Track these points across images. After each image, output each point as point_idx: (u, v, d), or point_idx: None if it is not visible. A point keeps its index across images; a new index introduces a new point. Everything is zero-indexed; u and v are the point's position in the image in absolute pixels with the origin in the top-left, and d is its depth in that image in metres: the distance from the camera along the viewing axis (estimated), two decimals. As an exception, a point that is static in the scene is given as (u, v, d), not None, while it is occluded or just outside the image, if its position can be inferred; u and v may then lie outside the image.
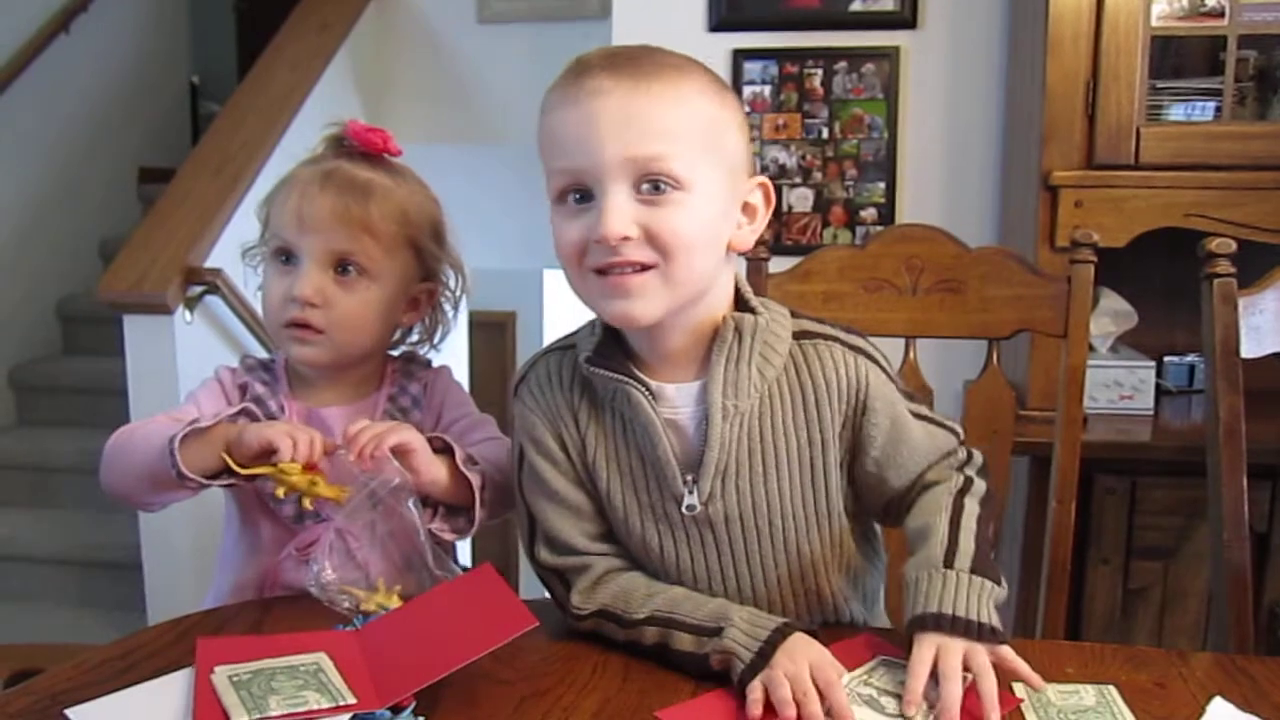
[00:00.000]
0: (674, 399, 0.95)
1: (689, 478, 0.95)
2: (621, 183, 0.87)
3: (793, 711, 0.81)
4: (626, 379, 0.94)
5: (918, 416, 1.00)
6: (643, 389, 0.94)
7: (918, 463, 1.00)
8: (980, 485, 0.99)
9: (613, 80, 0.87)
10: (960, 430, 1.04)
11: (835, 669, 0.85)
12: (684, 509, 0.96)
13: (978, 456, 1.03)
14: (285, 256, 1.11)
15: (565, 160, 0.89)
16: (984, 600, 0.87)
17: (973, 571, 0.88)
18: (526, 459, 1.01)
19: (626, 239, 0.87)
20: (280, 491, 1.02)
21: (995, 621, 0.86)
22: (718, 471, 0.95)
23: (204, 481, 1.04)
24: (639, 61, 0.89)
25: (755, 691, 0.84)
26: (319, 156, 1.14)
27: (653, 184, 0.87)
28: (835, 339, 0.97)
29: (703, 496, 0.95)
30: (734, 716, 0.84)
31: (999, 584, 0.89)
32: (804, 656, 0.85)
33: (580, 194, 0.89)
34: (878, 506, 1.03)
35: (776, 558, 0.99)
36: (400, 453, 1.01)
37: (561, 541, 1.00)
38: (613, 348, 0.96)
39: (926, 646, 0.85)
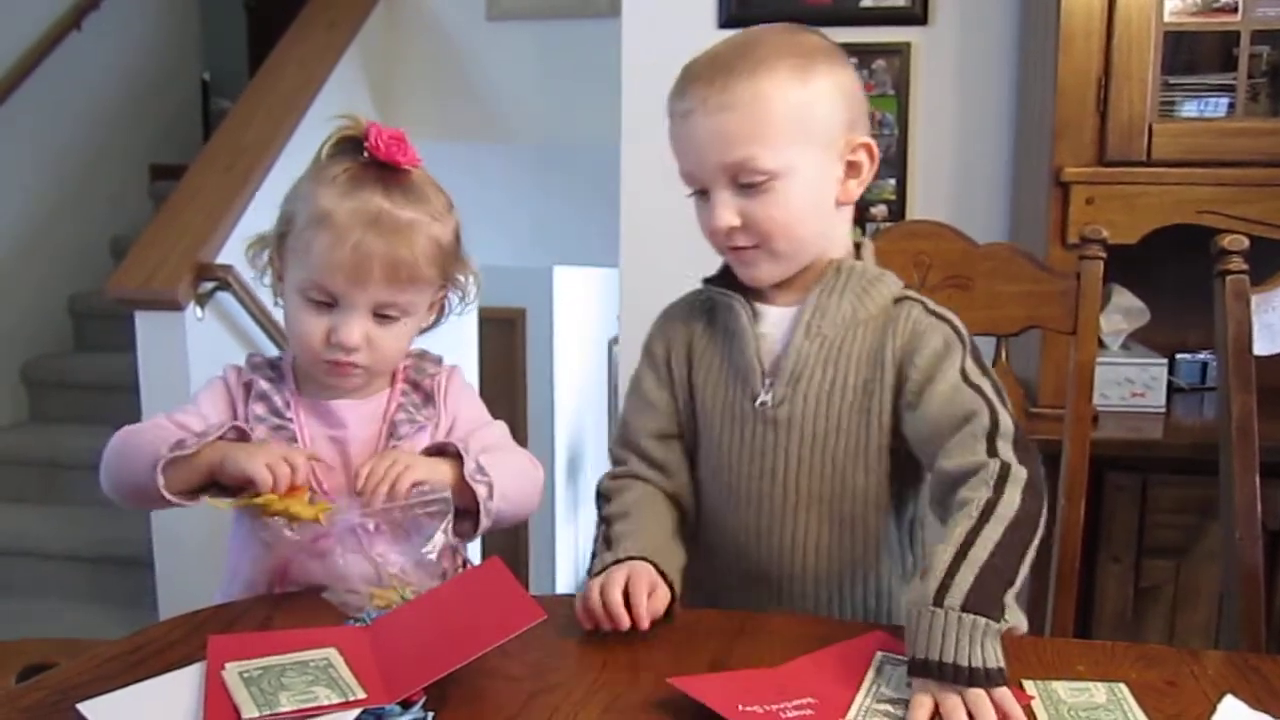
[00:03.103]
0: (772, 318, 1.10)
1: (768, 380, 1.08)
2: (722, 183, 1.04)
3: (614, 596, 0.96)
4: (733, 294, 1.11)
5: (966, 379, 1.03)
6: (746, 305, 1.10)
7: (935, 417, 1.02)
8: (1010, 503, 0.92)
9: (702, 92, 1.03)
10: (999, 414, 0.99)
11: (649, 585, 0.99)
12: (757, 405, 1.08)
13: (1021, 471, 0.95)
14: (325, 297, 1.10)
15: (682, 165, 1.07)
16: (976, 640, 0.83)
17: (964, 609, 0.84)
18: (637, 369, 1.19)
19: (733, 229, 1.05)
20: (264, 518, 1.04)
21: (990, 662, 0.83)
22: (791, 376, 1.08)
23: (186, 504, 1.07)
24: (728, 67, 1.02)
25: (592, 592, 0.98)
26: (348, 180, 1.09)
27: (748, 179, 1.03)
28: (922, 303, 1.09)
29: (776, 397, 1.08)
30: (746, 690, 0.85)
31: (997, 619, 0.85)
32: (637, 574, 0.99)
33: (699, 189, 1.07)
34: (924, 468, 1.07)
35: (824, 472, 1.08)
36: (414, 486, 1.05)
37: (630, 434, 1.17)
38: (732, 274, 1.12)
39: (924, 694, 0.83)
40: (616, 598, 0.97)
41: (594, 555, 1.10)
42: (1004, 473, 0.94)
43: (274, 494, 1.03)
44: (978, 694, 0.82)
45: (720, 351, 1.13)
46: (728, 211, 1.04)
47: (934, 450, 1.01)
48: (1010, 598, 0.88)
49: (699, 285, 1.17)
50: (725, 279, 1.13)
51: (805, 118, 1.03)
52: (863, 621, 1.09)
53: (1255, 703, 0.86)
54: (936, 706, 0.83)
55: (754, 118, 1.01)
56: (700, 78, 1.04)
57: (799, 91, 1.02)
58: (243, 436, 1.10)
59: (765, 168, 1.02)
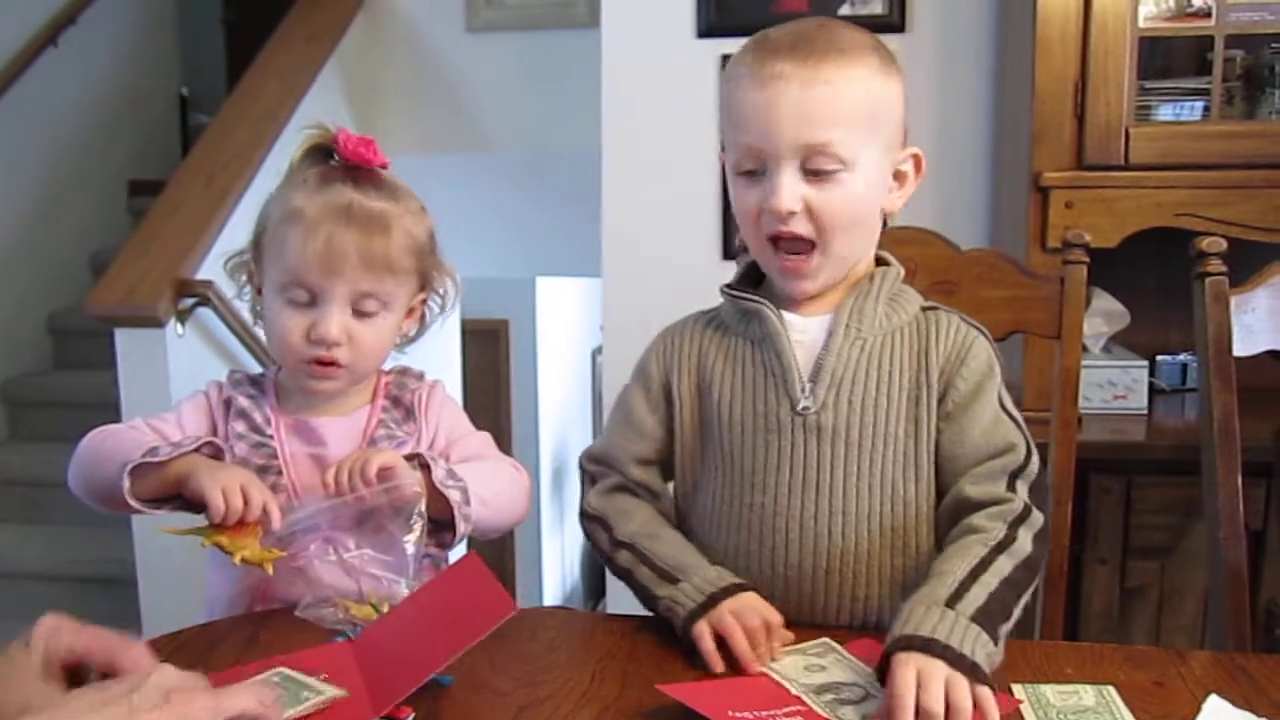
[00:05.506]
0: (802, 325, 1.05)
1: (808, 385, 1.02)
2: (792, 162, 0.98)
3: (745, 644, 0.91)
4: (760, 300, 1.05)
5: (1003, 407, 1.03)
6: (775, 311, 1.04)
7: (975, 442, 1.00)
8: (1023, 545, 0.94)
9: (793, 65, 0.97)
10: (1032, 455, 1.01)
11: (775, 622, 0.94)
12: (798, 411, 1.02)
13: (1037, 517, 0.97)
14: (303, 294, 1.10)
15: (745, 137, 1.00)
16: (977, 644, 0.84)
17: (973, 619, 0.85)
18: (627, 387, 1.14)
19: (793, 213, 0.98)
20: (204, 541, 1.02)
21: (983, 663, 0.83)
22: (833, 381, 1.02)
23: (150, 512, 1.05)
24: (816, 45, 0.98)
25: (705, 637, 0.93)
26: (318, 179, 1.10)
27: (819, 164, 0.98)
28: (957, 313, 1.07)
29: (818, 402, 1.01)
30: (736, 696, 0.84)
31: (995, 644, 0.86)
32: (750, 609, 0.94)
33: (755, 168, 1.00)
34: (942, 490, 1.03)
35: (873, 483, 1.01)
36: (381, 472, 1.03)
37: (612, 454, 1.12)
38: (753, 281, 1.09)
39: (907, 668, 0.80)
40: (746, 649, 0.92)
41: (630, 581, 1.04)
42: (1023, 515, 0.96)
43: (224, 529, 1.01)
44: (960, 677, 0.80)
45: (748, 361, 1.05)
46: (791, 193, 0.98)
47: (959, 470, 1.01)
48: (1003, 632, 0.89)
49: (717, 298, 1.10)
50: (747, 287, 1.08)
51: (881, 113, 1.00)
52: None
53: (1243, 702, 0.86)
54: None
55: (843, 99, 0.97)
56: (786, 48, 0.98)
57: (880, 85, 1.00)
58: (217, 453, 1.08)
59: (841, 155, 0.97)
